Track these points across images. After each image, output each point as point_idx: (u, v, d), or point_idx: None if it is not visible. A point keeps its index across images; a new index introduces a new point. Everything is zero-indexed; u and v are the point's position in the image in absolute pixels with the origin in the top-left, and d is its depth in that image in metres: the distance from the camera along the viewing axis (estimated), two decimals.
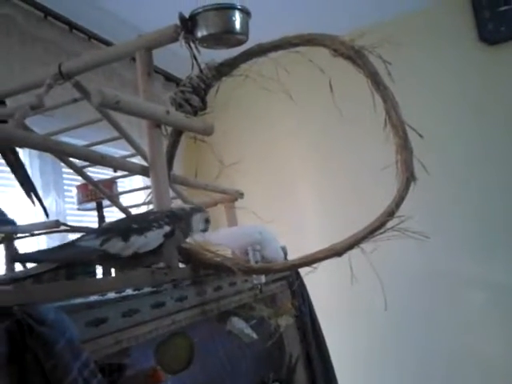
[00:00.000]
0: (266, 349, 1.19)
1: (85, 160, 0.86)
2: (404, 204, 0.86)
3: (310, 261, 0.87)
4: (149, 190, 1.56)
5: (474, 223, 2.19)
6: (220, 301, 0.96)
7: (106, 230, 0.74)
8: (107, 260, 0.71)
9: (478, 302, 2.19)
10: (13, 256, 0.76)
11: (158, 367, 0.77)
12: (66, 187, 2.14)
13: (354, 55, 0.88)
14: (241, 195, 1.38)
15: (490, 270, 2.18)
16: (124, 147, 1.35)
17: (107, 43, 2.43)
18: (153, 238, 0.74)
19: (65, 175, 2.16)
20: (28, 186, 1.17)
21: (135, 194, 1.76)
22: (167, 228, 0.77)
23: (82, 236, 0.74)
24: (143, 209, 1.48)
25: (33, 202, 1.18)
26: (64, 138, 1.42)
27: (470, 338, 2.17)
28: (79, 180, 2.00)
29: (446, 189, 2.21)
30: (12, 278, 0.69)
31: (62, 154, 0.81)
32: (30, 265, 0.86)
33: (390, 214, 0.85)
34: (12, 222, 1.08)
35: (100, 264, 0.91)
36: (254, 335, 1.06)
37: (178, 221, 0.80)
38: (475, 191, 2.20)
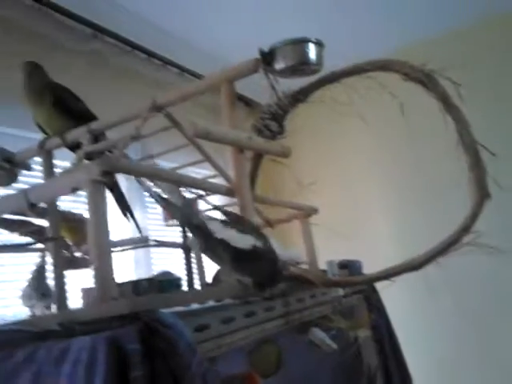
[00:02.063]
0: (345, 359, 1.24)
1: (181, 184, 0.97)
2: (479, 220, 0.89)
3: (389, 274, 0.92)
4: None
5: None
6: (302, 312, 1.03)
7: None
8: None
9: None
10: None
11: (253, 371, 0.85)
12: (148, 204, 2.32)
13: (425, 79, 0.93)
14: (315, 211, 1.45)
15: None
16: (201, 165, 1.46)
17: (180, 68, 2.61)
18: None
19: (147, 193, 2.33)
20: (123, 205, 1.29)
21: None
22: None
23: None
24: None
25: (128, 220, 1.30)
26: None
27: None
28: None
29: None
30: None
31: (165, 180, 0.93)
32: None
33: (466, 229, 0.88)
34: None
35: None
36: (335, 345, 1.12)
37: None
38: None
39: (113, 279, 0.70)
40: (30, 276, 1.34)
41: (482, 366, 2.25)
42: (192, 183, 1.02)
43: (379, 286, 1.07)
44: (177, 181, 1.02)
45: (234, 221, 0.86)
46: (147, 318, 0.61)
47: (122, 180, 2.19)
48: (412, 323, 2.27)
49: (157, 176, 0.90)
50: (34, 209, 0.80)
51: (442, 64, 0.95)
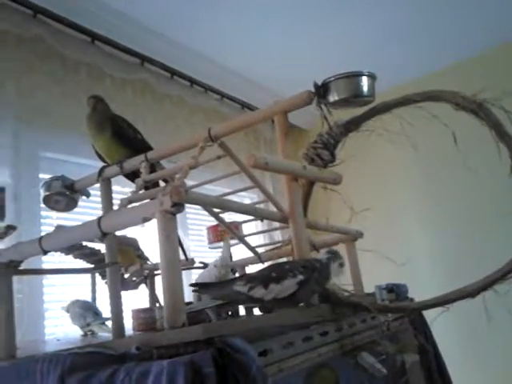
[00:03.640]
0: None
1: (243, 213, 1.01)
2: None
3: (443, 301, 0.93)
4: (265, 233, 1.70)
5: None
6: (354, 336, 1.05)
7: (252, 278, 0.88)
8: (253, 302, 0.88)
9: None
10: (191, 283, 0.93)
11: None
12: (190, 226, 2.38)
13: (477, 108, 0.95)
14: (360, 235, 1.47)
15: None
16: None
17: (221, 94, 2.70)
18: (287, 286, 0.87)
19: (188, 215, 2.40)
20: None
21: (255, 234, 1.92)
22: (301, 277, 0.89)
23: (235, 280, 0.90)
24: (267, 248, 1.63)
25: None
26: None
27: None
28: (202, 220, 2.21)
29: None
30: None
31: (228, 209, 0.97)
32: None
33: None
34: None
35: (247, 305, 1.07)
36: (384, 370, 1.12)
37: (312, 271, 0.92)
38: None
39: (183, 305, 0.74)
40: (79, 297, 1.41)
41: None
42: (250, 211, 1.06)
43: (435, 311, 1.08)
44: (237, 209, 1.06)
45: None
46: (220, 344, 0.65)
47: None
48: (461, 351, 2.23)
49: (222, 206, 0.95)
50: (105, 237, 0.86)
51: (492, 89, 0.97)
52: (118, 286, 1.20)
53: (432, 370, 1.33)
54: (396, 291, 1.34)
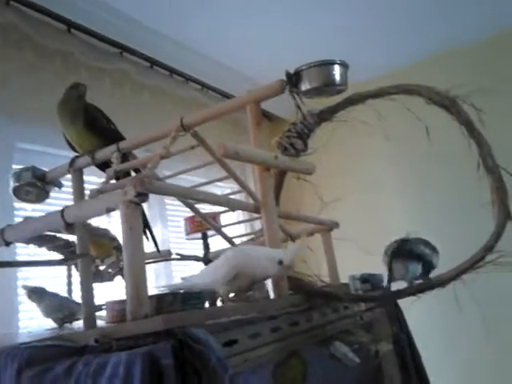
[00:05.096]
0: (367, 374, 1.25)
1: (214, 203, 1.00)
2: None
3: (416, 290, 0.93)
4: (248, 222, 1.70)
5: None
6: (326, 326, 1.05)
7: None
8: None
9: None
10: None
11: None
12: (169, 218, 2.36)
13: (449, 104, 0.95)
14: (336, 225, 1.47)
15: None
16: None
17: (201, 84, 2.67)
18: None
19: (168, 206, 2.38)
20: (144, 223, 1.31)
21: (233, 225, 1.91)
22: None
23: None
24: (245, 239, 1.62)
25: (147, 238, 1.32)
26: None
27: None
28: (182, 211, 2.19)
29: None
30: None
31: (198, 200, 0.96)
32: None
33: (489, 249, 0.90)
34: None
35: None
36: (357, 359, 1.12)
37: None
38: None
39: (146, 296, 0.73)
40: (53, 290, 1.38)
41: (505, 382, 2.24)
42: (221, 201, 1.05)
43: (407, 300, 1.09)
44: (207, 199, 1.06)
45: None
46: (180, 335, 0.64)
47: None
48: (434, 339, 2.26)
49: (189, 196, 0.94)
50: (69, 228, 0.84)
51: (464, 85, 0.97)
52: (90, 277, 1.19)
53: (406, 359, 1.34)
54: (371, 281, 1.35)
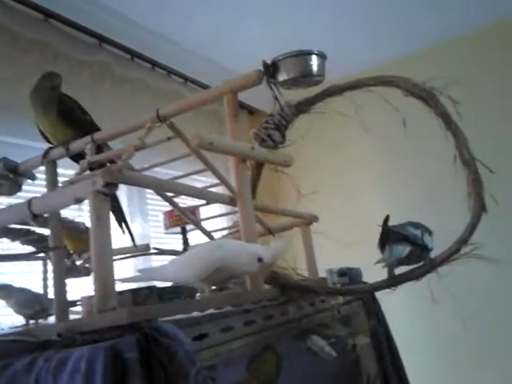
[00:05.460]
0: (344, 367, 1.24)
1: (187, 195, 0.98)
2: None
3: (391, 284, 0.93)
4: (230, 216, 1.68)
5: None
6: (301, 320, 1.04)
7: None
8: None
9: None
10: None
11: (250, 378, 0.86)
12: (150, 212, 2.33)
13: (426, 96, 0.95)
14: (315, 218, 1.46)
15: None
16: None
17: (184, 77, 2.64)
18: None
19: (148, 201, 2.35)
20: (119, 216, 1.29)
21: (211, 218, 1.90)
22: None
23: None
24: (225, 233, 1.60)
25: (123, 231, 1.30)
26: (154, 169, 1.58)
27: None
28: (162, 206, 2.17)
29: None
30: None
31: (169, 191, 0.94)
32: None
33: (464, 241, 0.90)
34: None
35: None
36: (334, 353, 1.12)
37: None
38: None
39: (113, 289, 0.71)
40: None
41: (481, 373, 2.27)
42: (195, 193, 1.03)
43: (382, 293, 1.08)
44: (180, 191, 1.04)
45: None
46: (146, 328, 0.62)
47: (123, 189, 2.21)
48: (411, 332, 2.28)
49: (160, 187, 0.92)
50: (36, 219, 0.82)
51: (442, 78, 0.96)
52: (63, 271, 1.16)
53: (383, 352, 1.34)
54: (349, 275, 1.34)
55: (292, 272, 1.04)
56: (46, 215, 1.12)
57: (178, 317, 0.75)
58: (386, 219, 0.96)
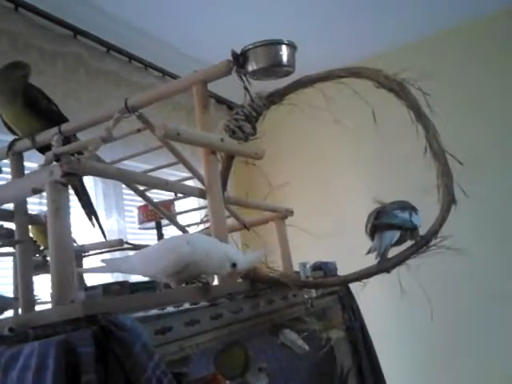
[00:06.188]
0: (318, 361, 1.24)
1: (153, 187, 0.96)
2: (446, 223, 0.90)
3: (361, 276, 0.92)
4: (204, 210, 1.66)
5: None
6: (273, 314, 1.03)
7: None
8: None
9: None
10: None
11: (217, 372, 0.84)
12: (126, 208, 2.29)
13: (397, 88, 0.94)
14: (290, 213, 1.45)
15: None
16: (178, 167, 1.45)
17: (161, 71, 2.60)
18: None
19: (125, 196, 2.31)
20: (89, 210, 1.26)
21: (191, 213, 1.87)
22: None
23: None
24: (200, 227, 1.58)
25: (93, 225, 1.27)
26: (126, 162, 1.55)
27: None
28: (139, 201, 2.14)
29: (484, 208, 2.25)
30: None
31: (135, 182, 0.92)
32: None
33: (434, 233, 0.89)
34: None
35: None
36: (306, 347, 1.11)
37: None
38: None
39: (72, 282, 0.69)
40: None
41: (454, 365, 2.30)
42: (165, 186, 1.01)
43: (355, 286, 1.07)
44: (147, 183, 1.01)
45: None
46: (104, 321, 0.60)
47: (99, 184, 2.18)
48: (386, 325, 2.30)
49: (125, 178, 0.89)
50: None
51: (414, 73, 0.96)
52: (30, 266, 1.13)
53: (358, 346, 1.34)
54: (324, 269, 1.34)
55: (263, 266, 1.02)
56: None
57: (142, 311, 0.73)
58: (377, 212, 0.95)
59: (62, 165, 0.70)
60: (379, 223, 0.93)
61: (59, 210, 0.70)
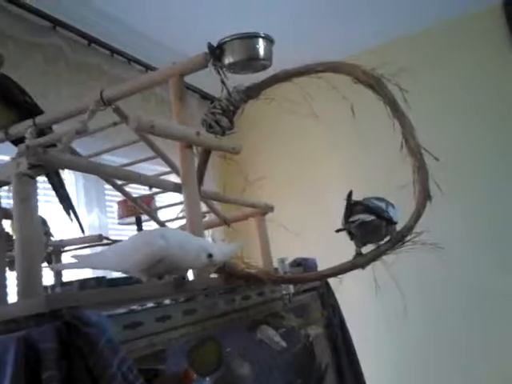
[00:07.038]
0: (296, 358, 1.23)
1: (125, 180, 0.94)
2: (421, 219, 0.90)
3: (337, 272, 0.92)
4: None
5: (486, 235, 2.30)
6: (249, 310, 1.02)
7: None
8: None
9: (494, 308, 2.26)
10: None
11: (190, 368, 0.83)
12: (107, 203, 2.27)
13: (374, 83, 0.94)
14: (270, 209, 1.44)
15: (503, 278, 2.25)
16: (159, 162, 1.43)
17: (145, 65, 2.57)
18: None
19: (107, 191, 2.29)
20: (67, 204, 1.23)
21: (172, 208, 1.85)
22: None
23: None
24: (178, 223, 1.57)
25: (71, 219, 1.25)
26: (105, 156, 1.52)
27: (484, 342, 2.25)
28: (121, 197, 2.11)
29: (459, 205, 2.28)
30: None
31: (105, 175, 0.90)
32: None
33: (409, 229, 0.89)
34: None
35: None
36: (284, 343, 1.10)
37: None
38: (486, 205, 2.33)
39: (39, 276, 0.67)
40: None
41: (429, 362, 2.33)
42: (139, 179, 0.99)
43: (334, 282, 1.07)
44: (124, 177, 1.00)
45: None
46: (68, 316, 0.59)
47: (80, 178, 2.15)
48: (364, 321, 2.32)
49: (97, 171, 0.87)
50: None
51: (392, 69, 0.96)
52: (3, 261, 1.10)
53: (337, 341, 1.34)
54: (303, 265, 1.33)
55: (239, 261, 1.01)
56: None
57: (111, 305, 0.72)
58: (350, 194, 0.94)
59: (28, 156, 0.69)
60: (354, 204, 0.93)
61: (25, 202, 0.68)
